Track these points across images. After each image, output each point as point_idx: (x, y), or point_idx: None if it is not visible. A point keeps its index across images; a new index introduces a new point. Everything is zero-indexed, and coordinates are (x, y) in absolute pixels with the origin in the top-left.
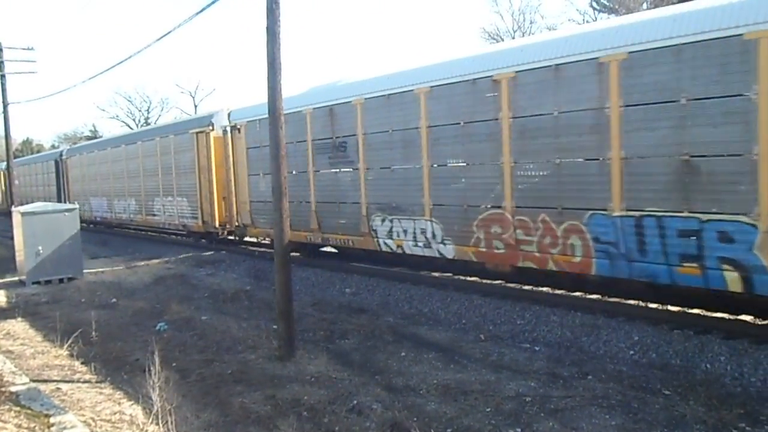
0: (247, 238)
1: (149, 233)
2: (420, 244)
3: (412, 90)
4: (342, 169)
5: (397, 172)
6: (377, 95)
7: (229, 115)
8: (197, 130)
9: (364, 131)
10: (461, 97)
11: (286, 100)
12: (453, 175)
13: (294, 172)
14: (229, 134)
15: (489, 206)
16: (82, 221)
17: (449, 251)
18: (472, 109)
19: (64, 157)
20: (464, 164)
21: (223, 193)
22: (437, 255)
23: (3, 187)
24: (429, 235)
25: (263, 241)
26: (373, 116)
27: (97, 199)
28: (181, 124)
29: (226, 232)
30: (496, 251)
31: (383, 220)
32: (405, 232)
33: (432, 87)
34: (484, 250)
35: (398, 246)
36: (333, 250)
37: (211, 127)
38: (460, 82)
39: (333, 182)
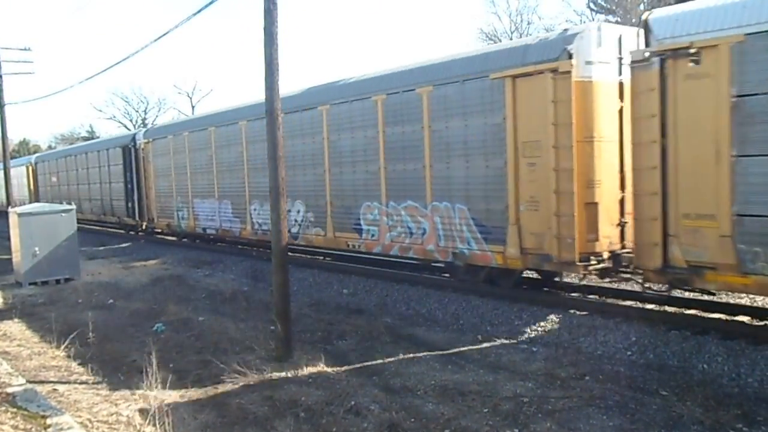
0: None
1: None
2: None
3: None
4: None
5: None
6: None
7: (648, 26)
8: (516, 71)
9: None
10: None
11: None
12: None
13: None
14: (656, 69)
15: None
16: (173, 234)
17: None
18: None
19: (139, 141)
20: None
21: (587, 196)
22: None
23: (31, 186)
24: None
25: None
26: None
27: (209, 202)
28: (443, 64)
29: (592, 271)
30: None
31: None
32: None
33: None
34: None
35: None
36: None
37: (569, 62)
38: None
39: None
